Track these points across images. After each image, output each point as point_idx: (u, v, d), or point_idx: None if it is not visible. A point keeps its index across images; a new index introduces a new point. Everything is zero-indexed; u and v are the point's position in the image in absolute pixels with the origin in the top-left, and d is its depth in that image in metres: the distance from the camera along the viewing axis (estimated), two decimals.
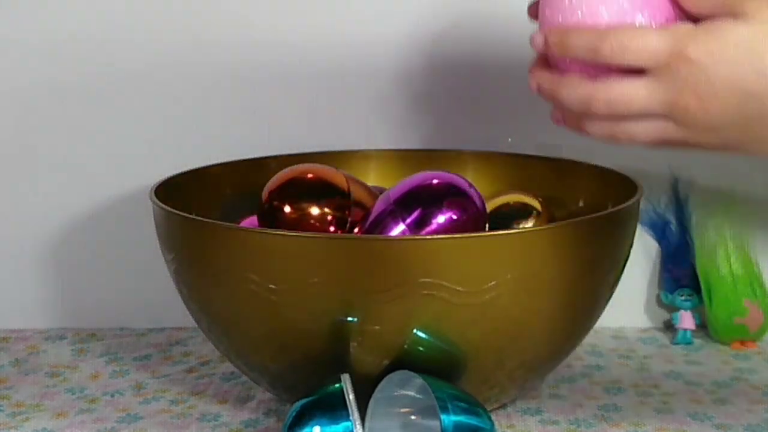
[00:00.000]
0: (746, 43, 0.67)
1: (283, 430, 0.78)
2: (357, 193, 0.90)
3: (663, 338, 1.06)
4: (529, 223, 0.93)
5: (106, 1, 1.06)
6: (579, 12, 0.72)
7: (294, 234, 0.82)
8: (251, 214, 0.94)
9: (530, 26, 1.06)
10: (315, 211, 0.89)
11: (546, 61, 0.75)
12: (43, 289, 1.11)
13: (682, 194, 1.07)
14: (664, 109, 0.69)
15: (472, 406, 0.77)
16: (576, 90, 0.72)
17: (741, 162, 1.06)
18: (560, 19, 0.72)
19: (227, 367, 0.98)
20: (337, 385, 0.78)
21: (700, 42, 0.68)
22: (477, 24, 1.06)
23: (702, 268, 1.05)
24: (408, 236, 0.84)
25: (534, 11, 0.76)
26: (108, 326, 1.10)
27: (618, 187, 0.92)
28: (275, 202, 0.89)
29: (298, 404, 0.78)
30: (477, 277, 0.77)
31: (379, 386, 0.79)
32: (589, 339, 0.93)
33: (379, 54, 1.07)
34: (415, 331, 0.79)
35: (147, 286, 1.08)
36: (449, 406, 0.75)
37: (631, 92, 0.70)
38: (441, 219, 0.85)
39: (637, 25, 0.71)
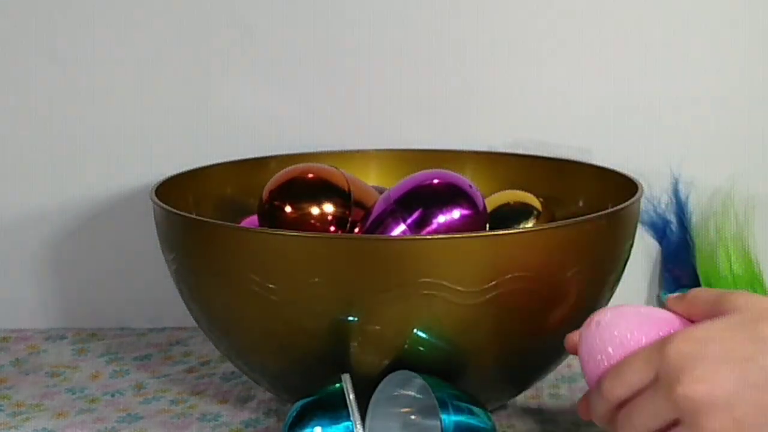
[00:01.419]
0: (738, 319, 0.69)
1: (284, 430, 0.77)
2: (357, 193, 0.90)
3: None
4: (529, 223, 0.93)
5: (106, 4, 1.06)
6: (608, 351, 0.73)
7: (294, 234, 0.82)
8: (251, 214, 0.94)
9: (531, 25, 1.06)
10: (315, 211, 0.89)
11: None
12: (43, 289, 1.11)
13: (682, 194, 1.07)
14: (671, 407, 0.68)
15: (472, 406, 0.77)
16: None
17: (741, 162, 1.06)
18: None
19: (227, 367, 0.99)
20: (337, 385, 0.78)
21: (686, 335, 0.69)
22: (477, 24, 1.06)
23: (702, 268, 1.05)
24: (408, 236, 0.84)
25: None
26: (108, 326, 1.10)
27: (618, 187, 0.92)
28: (275, 202, 0.89)
29: (298, 404, 0.78)
30: (477, 277, 0.77)
31: (380, 386, 0.79)
32: None
33: (379, 53, 1.07)
34: (415, 331, 0.79)
35: (147, 286, 1.08)
36: (449, 406, 0.75)
37: (641, 403, 0.70)
38: (442, 219, 0.85)
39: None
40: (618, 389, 0.70)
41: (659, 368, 0.68)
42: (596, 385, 0.72)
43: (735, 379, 0.67)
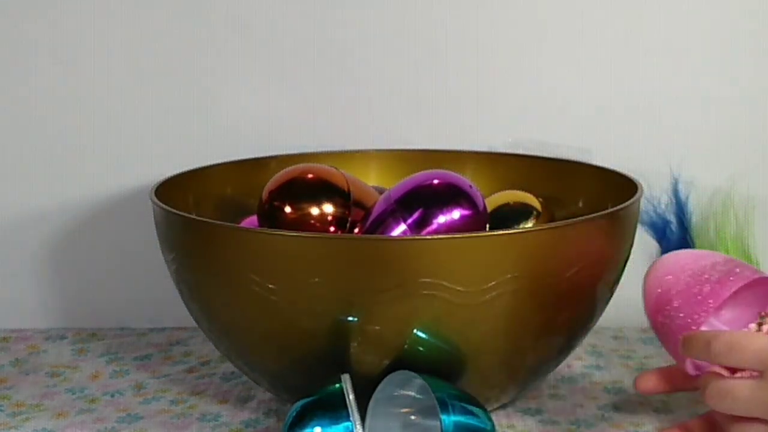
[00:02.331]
0: None
1: (284, 430, 0.78)
2: (357, 193, 0.90)
3: None
4: (529, 223, 0.93)
5: (106, 4, 1.06)
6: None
7: (294, 234, 0.82)
8: (251, 214, 0.94)
9: (531, 25, 1.06)
10: (315, 211, 0.89)
11: None
12: (43, 289, 1.11)
13: (682, 194, 1.07)
14: (763, 412, 0.71)
15: (472, 406, 0.77)
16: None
17: (741, 162, 1.06)
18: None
19: (227, 367, 0.99)
20: (337, 385, 0.78)
21: None
22: (477, 24, 1.06)
23: None
24: (408, 236, 0.84)
25: None
26: (108, 326, 1.10)
27: (618, 187, 0.92)
28: (275, 202, 0.89)
29: (298, 404, 0.78)
30: (477, 277, 0.77)
31: (379, 386, 0.79)
32: (589, 339, 0.93)
33: (379, 53, 1.07)
34: (415, 331, 0.79)
35: (147, 286, 1.08)
36: (449, 406, 0.75)
37: (737, 388, 0.72)
38: (442, 219, 0.85)
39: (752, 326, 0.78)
40: (725, 356, 0.72)
41: None
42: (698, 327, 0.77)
43: None
